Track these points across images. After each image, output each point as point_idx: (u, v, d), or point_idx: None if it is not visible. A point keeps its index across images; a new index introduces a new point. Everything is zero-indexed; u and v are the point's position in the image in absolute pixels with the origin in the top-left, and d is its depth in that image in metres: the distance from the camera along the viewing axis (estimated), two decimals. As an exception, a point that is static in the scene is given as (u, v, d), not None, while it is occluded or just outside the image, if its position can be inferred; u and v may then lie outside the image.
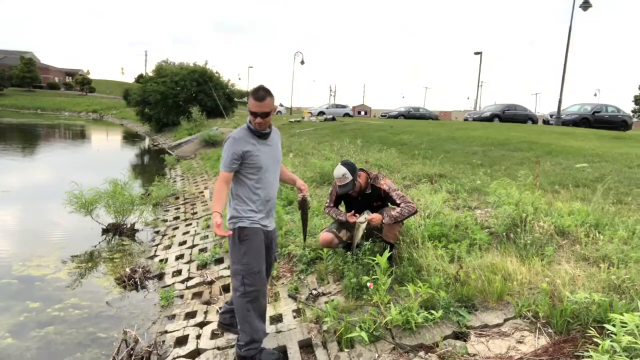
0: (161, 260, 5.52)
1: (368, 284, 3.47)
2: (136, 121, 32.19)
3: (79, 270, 5.29)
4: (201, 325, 3.85)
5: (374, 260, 3.51)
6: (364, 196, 4.08)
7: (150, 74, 28.11)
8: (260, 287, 3.07)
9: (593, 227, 4.18)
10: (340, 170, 3.92)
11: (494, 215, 4.83)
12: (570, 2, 20.60)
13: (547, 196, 5.13)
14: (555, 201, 4.79)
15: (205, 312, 4.11)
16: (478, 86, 48.47)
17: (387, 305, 3.30)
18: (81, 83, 75.08)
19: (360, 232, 3.87)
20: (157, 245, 6.20)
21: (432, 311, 3.15)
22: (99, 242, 6.38)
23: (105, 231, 6.76)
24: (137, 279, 4.90)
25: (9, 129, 27.18)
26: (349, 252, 4.01)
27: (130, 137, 27.54)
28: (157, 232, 6.78)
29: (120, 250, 6.06)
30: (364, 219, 3.81)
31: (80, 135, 28.76)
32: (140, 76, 68.11)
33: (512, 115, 25.86)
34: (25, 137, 23.87)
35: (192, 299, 4.44)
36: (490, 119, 25.32)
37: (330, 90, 73.77)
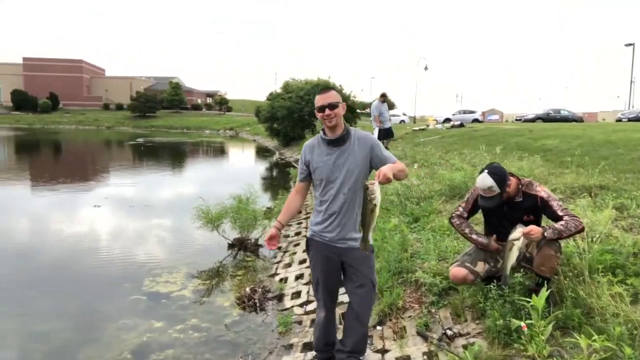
0: (281, 280, 5.30)
1: (522, 325, 2.76)
2: (266, 136, 33.88)
3: (203, 287, 5.29)
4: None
5: (527, 300, 2.79)
6: (512, 206, 3.32)
7: (278, 91, 29.37)
8: (319, 300, 3.07)
9: None
10: (485, 182, 3.20)
11: (687, 240, 3.73)
12: None
13: None
14: None
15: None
16: (631, 82, 42.41)
17: (548, 360, 2.57)
18: (219, 103, 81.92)
19: (514, 254, 3.10)
20: (278, 262, 6.03)
21: (613, 373, 2.36)
22: (225, 258, 6.42)
23: (230, 246, 6.82)
24: (256, 300, 4.71)
25: (160, 147, 30.37)
26: (489, 286, 3.30)
27: (261, 152, 29.00)
28: (280, 248, 6.64)
29: (244, 267, 6.01)
30: (519, 233, 3.04)
31: (219, 151, 31.10)
32: (270, 94, 72.31)
33: (680, 113, 21.96)
34: (173, 154, 26.43)
35: (310, 326, 4.08)
36: (650, 118, 21.81)
37: (457, 96, 70.50)
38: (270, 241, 2.90)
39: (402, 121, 40.72)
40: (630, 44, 39.52)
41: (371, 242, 2.81)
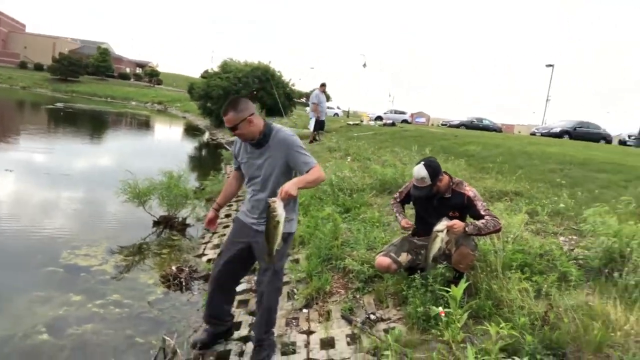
0: (209, 260, 5.25)
1: (440, 311, 2.98)
2: (198, 115, 32.89)
3: (125, 263, 5.11)
4: (245, 340, 3.50)
5: (446, 290, 3.02)
6: (442, 201, 3.56)
7: (215, 69, 28.61)
8: (214, 275, 3.21)
9: None
10: (420, 172, 3.43)
11: (583, 245, 4.19)
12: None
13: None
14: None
15: (251, 324, 3.76)
16: (547, 101, 45.96)
17: (461, 345, 2.80)
18: (150, 75, 78.20)
19: (437, 244, 3.30)
20: (206, 243, 5.96)
21: (515, 357, 2.62)
22: (149, 235, 6.23)
23: (156, 223, 6.62)
24: (182, 279, 4.64)
25: (80, 115, 28.50)
26: (414, 276, 3.53)
27: (191, 130, 28.15)
28: (208, 229, 6.55)
29: (169, 245, 5.87)
30: (443, 226, 3.26)
31: (144, 124, 29.73)
32: (206, 71, 70.12)
33: (583, 133, 24.20)
34: (94, 124, 24.90)
35: (237, 307, 4.11)
36: (559, 135, 23.83)
37: (389, 96, 72.60)
38: (210, 223, 3.17)
39: (336, 114, 41.27)
40: (550, 65, 42.71)
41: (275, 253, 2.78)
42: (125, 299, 4.20)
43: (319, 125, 14.30)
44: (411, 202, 3.88)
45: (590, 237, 4.17)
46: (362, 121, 21.90)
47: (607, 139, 25.20)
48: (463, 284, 2.85)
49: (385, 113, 38.30)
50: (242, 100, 2.90)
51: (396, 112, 40.66)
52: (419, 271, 3.64)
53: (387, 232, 4.78)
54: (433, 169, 3.44)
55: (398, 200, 3.91)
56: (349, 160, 8.65)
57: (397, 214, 3.84)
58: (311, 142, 13.67)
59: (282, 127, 3.02)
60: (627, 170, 7.73)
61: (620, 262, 3.56)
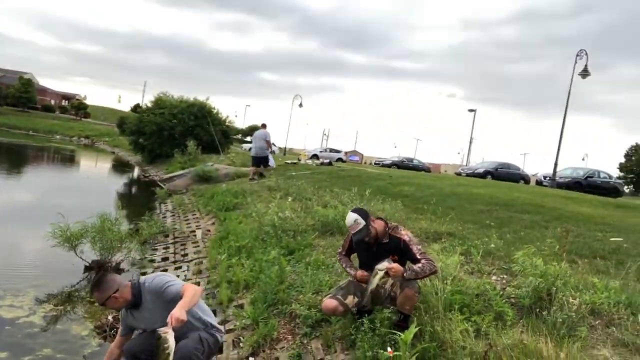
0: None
1: (389, 350, 3.08)
2: (128, 150, 31.79)
3: (55, 313, 4.78)
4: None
5: (393, 333, 3.13)
6: (380, 247, 3.72)
7: (148, 104, 28.01)
8: None
9: (625, 307, 3.84)
10: (351, 217, 3.64)
11: (514, 284, 4.48)
12: (567, 70, 21.12)
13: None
14: (588, 275, 4.47)
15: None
16: (470, 142, 49.06)
17: (410, 389, 2.89)
18: (77, 108, 74.79)
19: (375, 281, 3.49)
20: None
21: (461, 399, 2.75)
22: (80, 281, 5.88)
23: (87, 269, 6.27)
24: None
25: (-3, 148, 26.57)
26: (362, 320, 3.60)
27: (121, 166, 27.08)
28: (144, 274, 6.28)
29: (103, 292, 5.55)
30: (384, 266, 3.45)
31: (70, 159, 28.22)
32: (137, 106, 68.27)
33: (505, 174, 25.99)
34: (13, 158, 23.29)
35: None
36: (483, 175, 25.39)
37: (324, 134, 74.21)
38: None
39: (273, 152, 41.44)
40: (472, 110, 45.92)
41: None
42: (57, 353, 3.93)
43: (265, 161, 14.65)
44: (355, 254, 4.01)
45: (520, 277, 4.47)
46: (299, 160, 22.20)
47: (526, 179, 27.20)
48: (413, 328, 2.96)
49: (321, 151, 39.06)
50: (104, 280, 3.08)
51: (331, 150, 41.62)
52: (366, 314, 3.72)
53: (332, 275, 4.84)
54: (360, 210, 3.71)
55: (343, 253, 3.99)
56: (290, 200, 8.72)
57: (347, 268, 3.91)
58: (252, 179, 13.75)
59: (145, 278, 3.24)
60: (546, 212, 8.41)
61: (548, 301, 3.84)
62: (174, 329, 2.65)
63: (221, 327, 3.54)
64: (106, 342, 4.26)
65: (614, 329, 3.55)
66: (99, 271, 6.24)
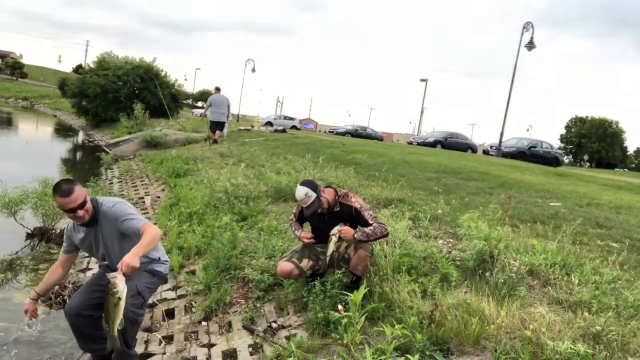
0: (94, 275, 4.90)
1: (340, 308, 3.17)
2: (71, 113, 30.19)
3: (-5, 281, 4.57)
4: (141, 358, 3.35)
5: (345, 294, 3.22)
6: (332, 215, 3.78)
7: (91, 65, 26.55)
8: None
9: (560, 268, 4.11)
10: (301, 191, 3.65)
11: (460, 248, 4.68)
12: (513, 40, 21.72)
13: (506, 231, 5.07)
14: (528, 239, 4.72)
15: (146, 342, 3.61)
16: (421, 112, 49.94)
17: (359, 347, 2.99)
18: (12, 67, 69.81)
19: (332, 246, 3.59)
20: (89, 256, 5.53)
21: (408, 355, 2.87)
22: (22, 249, 5.63)
23: (30, 236, 6.00)
24: (66, 297, 4.28)
25: None
26: (314, 282, 3.66)
27: (64, 130, 25.75)
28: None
29: (47, 260, 5.35)
30: (336, 229, 3.56)
31: (6, 122, 26.50)
32: (80, 66, 64.66)
33: (454, 143, 26.77)
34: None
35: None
36: (433, 144, 26.04)
37: (278, 101, 73.35)
38: (27, 314, 3.01)
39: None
40: (424, 80, 46.53)
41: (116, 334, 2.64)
42: (0, 322, 3.76)
43: (222, 126, 14.37)
44: (306, 222, 4.04)
45: (465, 241, 4.68)
46: (253, 126, 21.87)
47: (473, 149, 28.13)
48: (363, 289, 3.05)
49: (275, 119, 38.63)
50: (75, 187, 2.82)
51: (285, 117, 41.26)
52: (318, 277, 3.79)
53: (285, 240, 4.88)
54: (309, 183, 3.71)
55: (295, 220, 4.01)
56: (242, 167, 8.62)
57: (295, 231, 3.94)
58: (214, 142, 13.57)
59: (104, 200, 3.04)
60: (491, 179, 8.76)
61: (491, 263, 4.05)
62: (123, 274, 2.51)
63: (167, 257, 3.36)
64: (52, 309, 4.13)
65: (550, 288, 3.79)
66: (41, 238, 5.99)
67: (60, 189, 2.76)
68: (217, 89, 14.69)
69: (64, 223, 6.23)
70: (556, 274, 3.93)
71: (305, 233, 3.83)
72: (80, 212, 2.81)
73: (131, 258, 2.54)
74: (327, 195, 3.75)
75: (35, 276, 4.85)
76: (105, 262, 3.12)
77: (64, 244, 3.12)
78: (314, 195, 3.63)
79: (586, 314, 3.29)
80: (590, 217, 6.11)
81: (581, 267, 4.05)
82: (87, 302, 2.99)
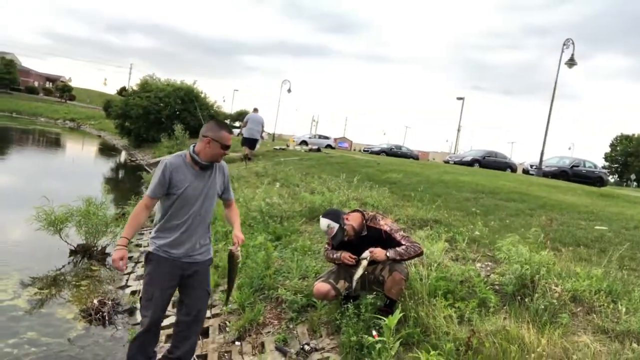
0: (133, 293, 5.02)
1: (374, 334, 3.13)
2: (114, 134, 31.42)
3: (40, 297, 4.75)
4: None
5: (378, 318, 3.17)
6: (362, 240, 3.73)
7: (134, 88, 27.66)
8: (149, 317, 3.01)
9: (606, 295, 3.91)
10: (323, 223, 3.65)
11: (498, 272, 4.54)
12: (554, 58, 21.24)
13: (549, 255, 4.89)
14: (570, 263, 4.54)
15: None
16: (458, 130, 49.30)
17: (394, 373, 2.93)
18: (61, 90, 73.52)
19: (361, 270, 3.53)
20: (129, 273, 5.68)
21: (443, 383, 2.79)
22: (65, 265, 5.84)
23: (73, 253, 6.22)
24: (105, 313, 4.39)
25: (-21, 130, 26.08)
26: (347, 305, 3.62)
27: (107, 150, 26.77)
28: (130, 259, 6.24)
29: (89, 276, 5.53)
30: (367, 254, 3.52)
31: (55, 142, 27.81)
32: (123, 89, 67.31)
33: (492, 162, 26.19)
34: (-4, 140, 22.90)
35: (166, 341, 3.96)
36: (471, 163, 25.55)
37: (313, 120, 74.08)
38: (123, 262, 2.85)
39: (262, 137, 41.31)
40: (461, 98, 46.05)
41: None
42: (42, 336, 3.90)
43: (255, 143, 14.95)
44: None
45: (504, 264, 4.53)
46: (288, 146, 22.11)
47: (513, 168, 27.45)
48: (398, 313, 2.99)
49: (310, 138, 38.97)
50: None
51: (320, 137, 41.51)
52: (351, 300, 3.75)
53: (319, 261, 4.86)
54: (331, 214, 3.69)
55: (329, 249, 3.90)
56: (277, 186, 8.70)
57: (333, 255, 3.80)
58: (248, 158, 14.02)
59: None
60: (531, 200, 8.49)
61: (531, 288, 3.90)
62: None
63: None
64: (91, 325, 4.25)
65: (595, 316, 3.61)
66: (84, 255, 6.19)
67: (228, 127, 3.08)
68: (255, 110, 15.67)
69: (105, 241, 6.44)
70: (601, 301, 3.75)
71: (348, 254, 3.73)
72: (227, 151, 3.05)
73: (241, 233, 3.22)
74: (352, 221, 3.70)
75: (77, 292, 5.01)
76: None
77: (156, 187, 2.91)
78: (336, 225, 3.61)
79: (634, 344, 3.12)
80: (639, 241, 5.82)
81: (629, 294, 3.84)
82: (166, 302, 3.12)
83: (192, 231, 3.06)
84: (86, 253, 6.23)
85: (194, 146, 3.04)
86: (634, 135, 69.32)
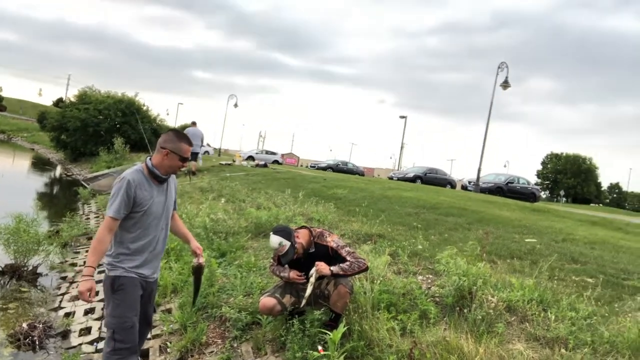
0: (67, 315, 4.75)
1: (319, 349, 3.13)
2: (49, 147, 29.88)
3: (-40, 322, 4.39)
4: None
5: (324, 332, 3.18)
6: (309, 256, 3.76)
7: (72, 99, 26.52)
8: (132, 345, 2.83)
9: (537, 304, 4.14)
10: (275, 240, 3.62)
11: (438, 284, 4.69)
12: (489, 81, 22.48)
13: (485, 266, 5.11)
14: (505, 275, 4.76)
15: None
16: (401, 147, 50.74)
17: (338, 388, 2.94)
18: (-10, 100, 69.27)
19: (310, 288, 3.52)
20: (62, 294, 5.38)
21: (387, 395, 2.84)
22: (-9, 287, 5.43)
23: (0, 273, 5.80)
24: (35, 337, 4.12)
25: None
26: (292, 321, 3.62)
27: (41, 164, 25.34)
28: (64, 279, 5.93)
29: (17, 299, 5.18)
30: (313, 271, 3.52)
31: (-19, 156, 26.00)
32: (60, 100, 64.31)
33: (433, 178, 27.16)
34: None
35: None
36: (413, 179, 26.36)
37: (260, 136, 73.81)
38: (91, 294, 2.64)
39: (207, 152, 40.54)
40: (404, 117, 47.48)
41: None
42: (-38, 365, 3.60)
43: (195, 156, 14.93)
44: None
45: (444, 277, 4.69)
46: (234, 161, 21.86)
47: (452, 184, 28.57)
48: (342, 327, 3.02)
49: (257, 153, 38.76)
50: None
51: (267, 152, 41.42)
52: (297, 315, 3.75)
53: (264, 277, 4.82)
54: (282, 231, 3.67)
55: (276, 264, 3.89)
56: (222, 201, 8.57)
57: (280, 273, 3.80)
58: (192, 176, 13.78)
59: None
60: (469, 214, 8.87)
61: (469, 299, 4.06)
62: None
63: None
64: (19, 351, 3.97)
65: (527, 324, 3.81)
66: (12, 276, 5.81)
67: (187, 139, 2.93)
68: (193, 123, 15.86)
69: (36, 260, 6.08)
70: (533, 310, 3.96)
71: (295, 272, 3.73)
72: (186, 163, 2.98)
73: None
74: (302, 238, 3.72)
75: (3, 315, 4.68)
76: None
77: (120, 207, 2.70)
78: (287, 243, 3.61)
79: (563, 350, 3.32)
80: (566, 253, 6.21)
81: (558, 303, 4.08)
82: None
83: (159, 248, 2.98)
84: (15, 273, 5.83)
85: (150, 159, 2.87)
86: (562, 154, 74.19)
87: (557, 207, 20.01)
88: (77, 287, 5.55)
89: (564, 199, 62.96)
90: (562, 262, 5.74)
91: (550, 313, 3.87)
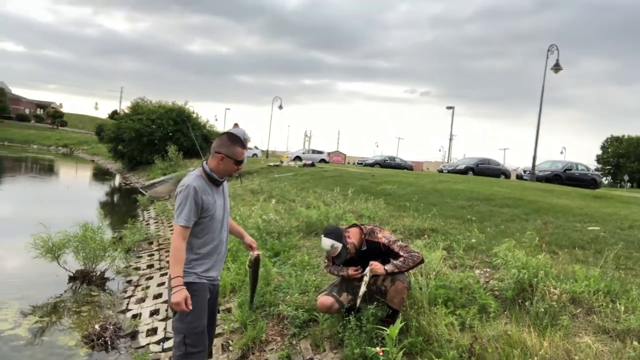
0: (134, 316, 5.01)
1: (378, 350, 3.13)
2: (108, 158, 31.44)
3: (41, 325, 4.72)
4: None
5: (380, 329, 3.18)
6: (361, 254, 3.75)
7: (126, 111, 27.76)
8: (203, 349, 2.87)
9: (604, 295, 3.95)
10: (327, 243, 3.62)
11: (497, 277, 4.57)
12: (541, 64, 21.56)
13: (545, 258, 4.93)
14: (568, 265, 4.58)
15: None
16: (450, 139, 49.64)
17: (398, 383, 2.94)
18: (52, 116, 73.58)
19: (364, 286, 3.52)
20: (129, 297, 5.67)
21: (448, 391, 2.81)
22: (65, 292, 5.81)
23: (72, 279, 6.19)
24: (107, 338, 4.37)
25: (-29, 160, 25.99)
26: (349, 317, 3.64)
27: (101, 174, 26.72)
28: (130, 282, 6.24)
29: (89, 302, 5.51)
30: (368, 270, 3.52)
31: (48, 169, 27.74)
32: (115, 112, 67.46)
33: (485, 169, 26.31)
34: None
35: (169, 364, 3.95)
36: (464, 171, 25.66)
37: (306, 136, 74.37)
38: (189, 302, 2.65)
39: (255, 155, 41.34)
40: (451, 107, 46.44)
41: None
42: (45, 365, 3.88)
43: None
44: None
45: (503, 270, 4.57)
46: (282, 162, 22.17)
47: (506, 174, 27.59)
48: (399, 323, 3.01)
49: (304, 153, 39.09)
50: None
51: (314, 151, 41.65)
52: (353, 312, 3.77)
53: (318, 275, 4.88)
54: (334, 233, 3.65)
55: (330, 264, 3.90)
56: (273, 202, 8.72)
57: (338, 271, 3.80)
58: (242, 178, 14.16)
59: None
60: (526, 204, 8.57)
61: (530, 292, 3.93)
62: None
63: None
64: (94, 351, 4.23)
65: (595, 316, 3.65)
66: (83, 281, 6.17)
67: (241, 142, 2.94)
68: (235, 125, 16.46)
69: (103, 265, 6.43)
70: (600, 302, 3.79)
71: (352, 268, 3.72)
72: (241, 166, 2.99)
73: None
74: (353, 237, 3.71)
75: (77, 318, 4.99)
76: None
77: (190, 214, 2.72)
78: (339, 245, 3.60)
79: (635, 343, 3.15)
80: (634, 240, 5.88)
81: (627, 294, 3.89)
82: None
83: (224, 251, 3.05)
84: (85, 279, 6.21)
85: (206, 163, 2.91)
86: (623, 136, 70.07)
87: (621, 192, 18.92)
88: (141, 289, 5.84)
89: (629, 184, 59.41)
90: (630, 250, 5.44)
91: (620, 304, 3.69)
